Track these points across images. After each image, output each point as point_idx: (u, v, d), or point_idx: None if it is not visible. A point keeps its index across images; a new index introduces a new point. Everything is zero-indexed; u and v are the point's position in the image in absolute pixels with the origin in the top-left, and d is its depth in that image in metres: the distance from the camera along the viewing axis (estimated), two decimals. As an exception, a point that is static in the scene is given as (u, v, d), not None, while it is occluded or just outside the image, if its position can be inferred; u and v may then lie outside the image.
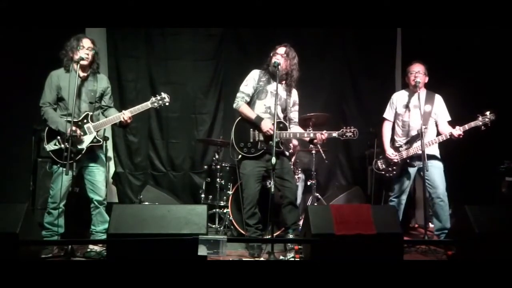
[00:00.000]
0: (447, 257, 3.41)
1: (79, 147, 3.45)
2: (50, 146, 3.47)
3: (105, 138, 4.91)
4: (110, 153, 5.37)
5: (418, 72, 3.94)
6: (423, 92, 4.00)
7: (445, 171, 3.95)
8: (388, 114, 4.19)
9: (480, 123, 3.78)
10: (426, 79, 4.02)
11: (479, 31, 4.60)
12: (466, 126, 3.80)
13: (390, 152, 4.05)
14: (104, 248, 3.31)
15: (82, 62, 3.45)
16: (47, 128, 3.50)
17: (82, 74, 3.54)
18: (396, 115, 4.13)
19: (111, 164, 5.40)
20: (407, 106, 4.04)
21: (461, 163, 4.63)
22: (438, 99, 4.03)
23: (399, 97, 4.14)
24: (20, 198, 4.45)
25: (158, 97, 3.66)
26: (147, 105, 3.62)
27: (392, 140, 4.16)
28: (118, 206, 3.23)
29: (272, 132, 3.44)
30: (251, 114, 3.65)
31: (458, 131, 3.79)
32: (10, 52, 4.44)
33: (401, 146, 4.02)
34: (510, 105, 4.31)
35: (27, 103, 4.71)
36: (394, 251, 2.99)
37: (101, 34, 5.28)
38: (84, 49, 3.49)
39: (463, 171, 4.72)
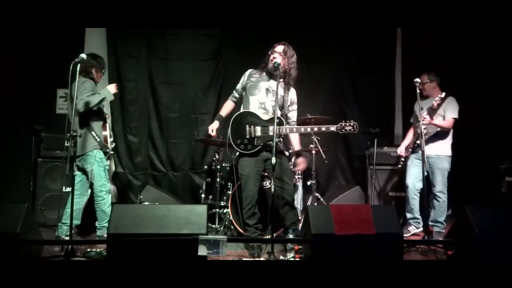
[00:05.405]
0: (447, 257, 3.41)
1: None
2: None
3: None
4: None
5: (421, 84, 3.99)
6: (438, 96, 4.06)
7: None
8: (411, 119, 4.52)
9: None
10: (434, 85, 4.22)
11: (478, 32, 4.60)
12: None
13: (400, 148, 4.42)
14: (104, 248, 3.32)
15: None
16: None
17: None
18: (415, 120, 4.29)
19: (111, 164, 5.40)
20: (421, 110, 4.11)
21: (461, 163, 4.63)
22: (450, 99, 4.15)
23: (416, 104, 4.23)
24: (20, 198, 4.46)
25: None
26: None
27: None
28: (118, 206, 3.23)
29: (211, 133, 3.73)
30: (221, 111, 3.86)
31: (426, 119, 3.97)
32: (10, 52, 4.45)
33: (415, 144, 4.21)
34: (510, 105, 4.32)
35: (27, 103, 4.72)
36: (394, 251, 2.99)
37: (101, 34, 5.29)
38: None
39: (463, 171, 4.72)
